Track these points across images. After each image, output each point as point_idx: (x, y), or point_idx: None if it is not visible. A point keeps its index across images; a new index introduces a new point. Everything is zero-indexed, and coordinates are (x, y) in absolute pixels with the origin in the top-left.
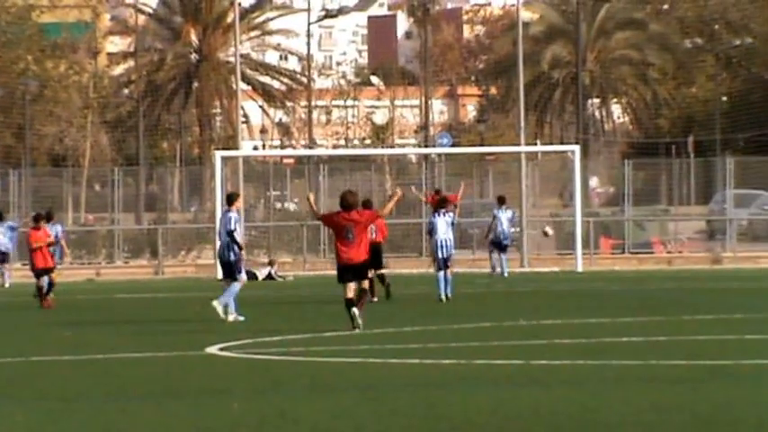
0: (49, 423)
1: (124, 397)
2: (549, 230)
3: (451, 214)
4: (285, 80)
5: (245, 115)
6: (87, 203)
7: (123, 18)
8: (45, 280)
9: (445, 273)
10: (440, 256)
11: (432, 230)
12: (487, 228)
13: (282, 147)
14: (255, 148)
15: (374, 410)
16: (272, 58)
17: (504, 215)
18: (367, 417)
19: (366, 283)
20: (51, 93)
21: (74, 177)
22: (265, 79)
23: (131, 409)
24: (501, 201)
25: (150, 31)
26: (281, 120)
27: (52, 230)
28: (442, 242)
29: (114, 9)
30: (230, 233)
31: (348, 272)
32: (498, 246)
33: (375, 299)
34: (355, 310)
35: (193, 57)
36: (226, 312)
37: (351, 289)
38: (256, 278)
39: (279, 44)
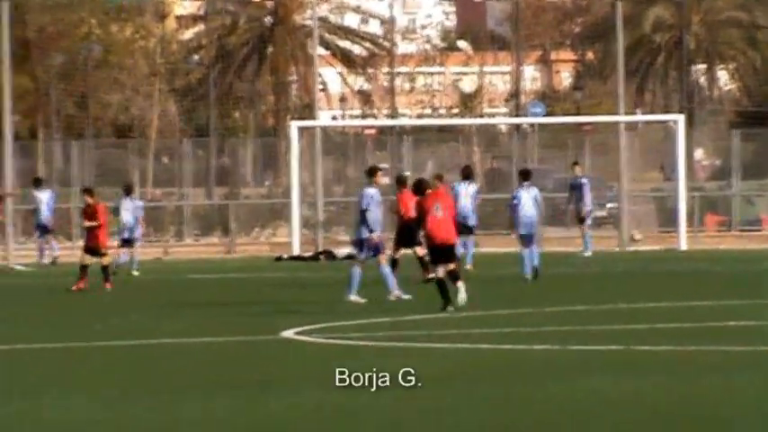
0: (115, 410)
1: (195, 384)
2: (638, 235)
3: (535, 189)
4: (366, 45)
5: (323, 83)
6: (154, 177)
7: None
8: (106, 259)
9: (530, 250)
10: (522, 232)
11: (516, 205)
12: (569, 201)
13: (363, 116)
14: (334, 118)
15: (458, 400)
16: (351, 21)
17: (586, 183)
18: (450, 407)
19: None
20: (116, 59)
21: (140, 149)
22: (345, 44)
23: (202, 395)
24: (576, 165)
25: None
26: (361, 87)
27: (130, 205)
28: (525, 218)
29: None
30: (362, 212)
31: (441, 254)
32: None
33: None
34: (451, 286)
35: (267, 20)
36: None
37: (442, 270)
38: (335, 258)
39: (359, 6)
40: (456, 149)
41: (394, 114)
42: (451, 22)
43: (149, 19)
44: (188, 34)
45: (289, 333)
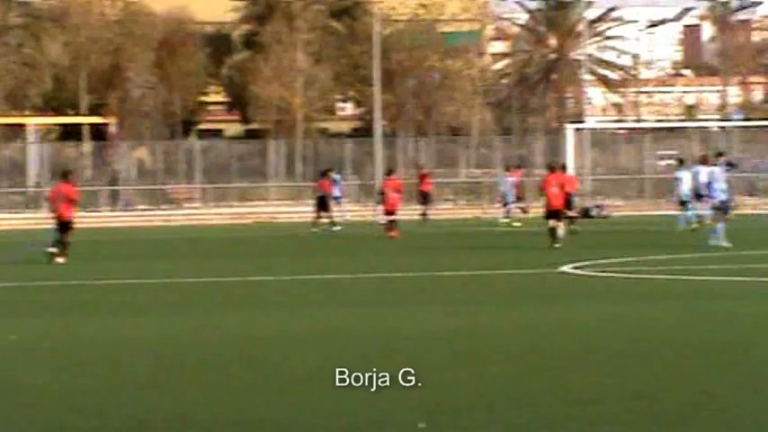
0: (448, 317)
1: (496, 300)
2: None
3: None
4: (619, 72)
5: (590, 98)
6: (476, 162)
7: (502, 28)
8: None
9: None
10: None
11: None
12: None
13: (617, 121)
14: (598, 122)
15: (687, 313)
16: (610, 56)
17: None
18: (683, 318)
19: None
20: (450, 82)
21: (465, 143)
22: (605, 72)
23: (501, 309)
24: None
25: (522, 37)
26: (616, 101)
27: (506, 180)
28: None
29: (496, 21)
30: (708, 185)
31: (554, 214)
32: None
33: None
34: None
35: (552, 56)
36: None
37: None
38: (591, 216)
39: (615, 46)
40: (680, 144)
41: (638, 120)
42: (679, 57)
43: (473, 55)
44: (498, 66)
45: (566, 267)
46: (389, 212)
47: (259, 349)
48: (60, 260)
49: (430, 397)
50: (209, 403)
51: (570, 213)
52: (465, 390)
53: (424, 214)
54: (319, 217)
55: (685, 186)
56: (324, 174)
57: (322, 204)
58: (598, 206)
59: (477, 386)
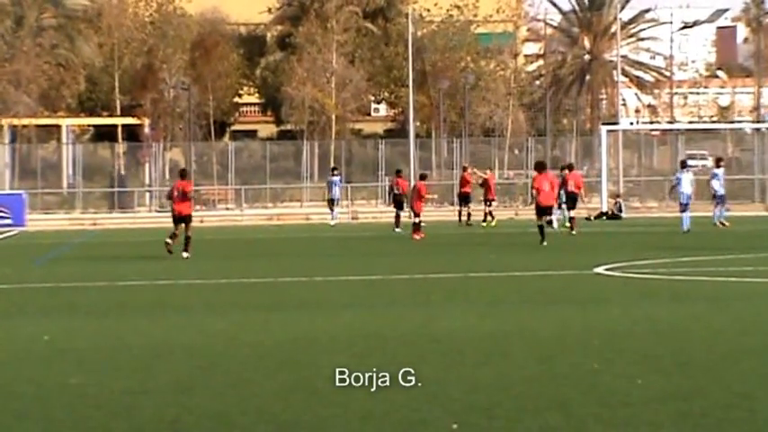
0: (481, 318)
1: (530, 301)
2: None
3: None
4: (653, 74)
5: (624, 99)
6: (509, 163)
7: (536, 29)
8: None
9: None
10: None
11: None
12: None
13: (651, 123)
14: (631, 124)
15: (721, 315)
16: (643, 57)
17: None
18: (717, 320)
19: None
20: (484, 83)
21: (499, 144)
22: (639, 73)
23: (534, 310)
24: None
25: (555, 38)
26: (650, 103)
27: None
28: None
29: (529, 23)
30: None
31: (545, 211)
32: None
33: (574, 232)
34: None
35: (586, 57)
36: None
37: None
38: (619, 217)
39: (649, 48)
40: (715, 146)
41: (672, 121)
42: (713, 58)
43: (506, 56)
44: (532, 67)
45: (600, 269)
46: (417, 214)
47: (265, 349)
48: (184, 254)
49: (457, 397)
50: (207, 404)
51: (572, 214)
52: (494, 391)
53: (468, 215)
54: (399, 216)
55: (686, 188)
56: (398, 173)
57: (398, 204)
58: (616, 202)
59: (508, 387)
